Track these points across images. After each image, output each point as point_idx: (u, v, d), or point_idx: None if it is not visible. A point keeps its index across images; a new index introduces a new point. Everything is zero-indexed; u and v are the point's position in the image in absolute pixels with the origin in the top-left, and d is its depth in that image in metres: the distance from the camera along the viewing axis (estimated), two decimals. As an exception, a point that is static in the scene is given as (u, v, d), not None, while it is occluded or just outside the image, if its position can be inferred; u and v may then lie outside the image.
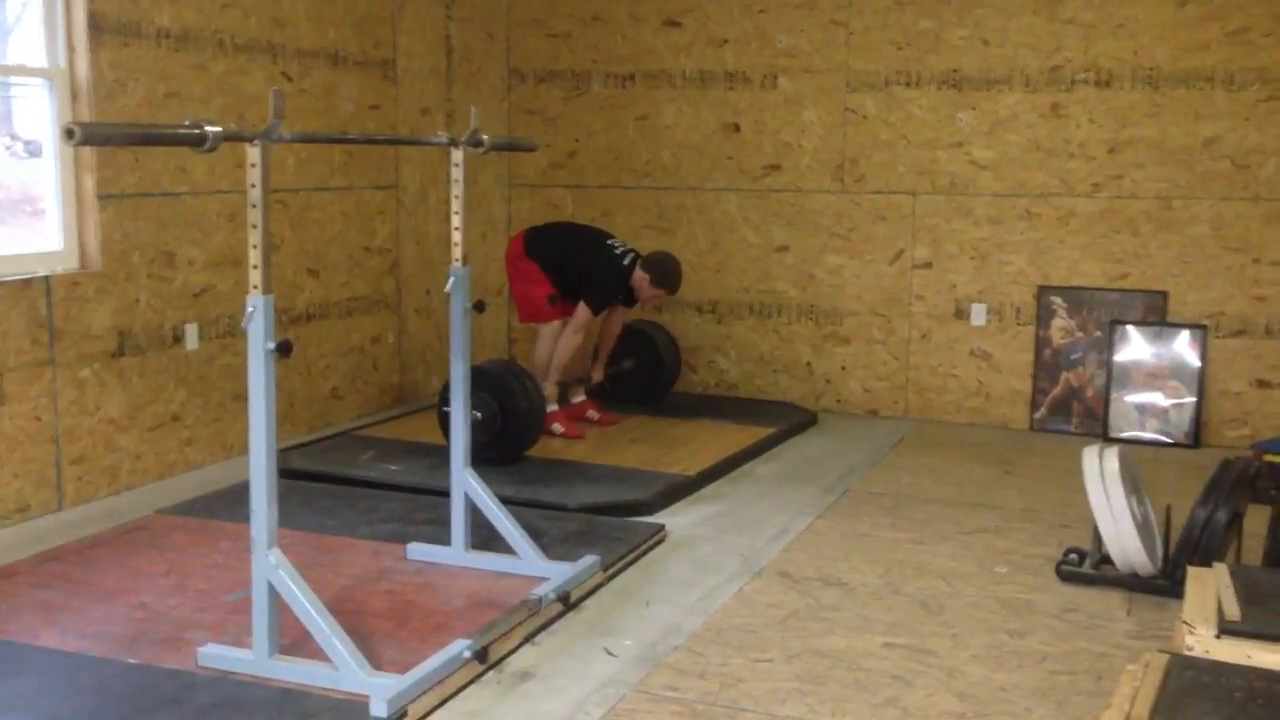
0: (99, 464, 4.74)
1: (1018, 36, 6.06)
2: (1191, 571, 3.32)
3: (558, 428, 5.72)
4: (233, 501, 4.56)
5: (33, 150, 4.85)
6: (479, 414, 4.98)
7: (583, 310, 5.75)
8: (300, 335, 5.76)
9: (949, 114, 6.23)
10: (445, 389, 4.94)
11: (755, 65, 6.57)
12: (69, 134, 2.55)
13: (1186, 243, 5.90)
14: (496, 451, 5.09)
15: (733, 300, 6.78)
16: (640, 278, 5.84)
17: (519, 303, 6.02)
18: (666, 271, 5.86)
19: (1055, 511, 4.74)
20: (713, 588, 3.92)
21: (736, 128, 6.65)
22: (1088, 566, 3.95)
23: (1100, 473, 3.84)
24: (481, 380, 5.05)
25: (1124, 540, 3.79)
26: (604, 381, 6.24)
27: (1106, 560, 3.93)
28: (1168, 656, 2.77)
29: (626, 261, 5.85)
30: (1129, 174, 5.96)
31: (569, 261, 5.84)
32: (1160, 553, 3.89)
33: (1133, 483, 3.93)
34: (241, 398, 5.31)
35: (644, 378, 6.45)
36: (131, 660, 3.22)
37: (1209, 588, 3.16)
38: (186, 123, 2.86)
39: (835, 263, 6.54)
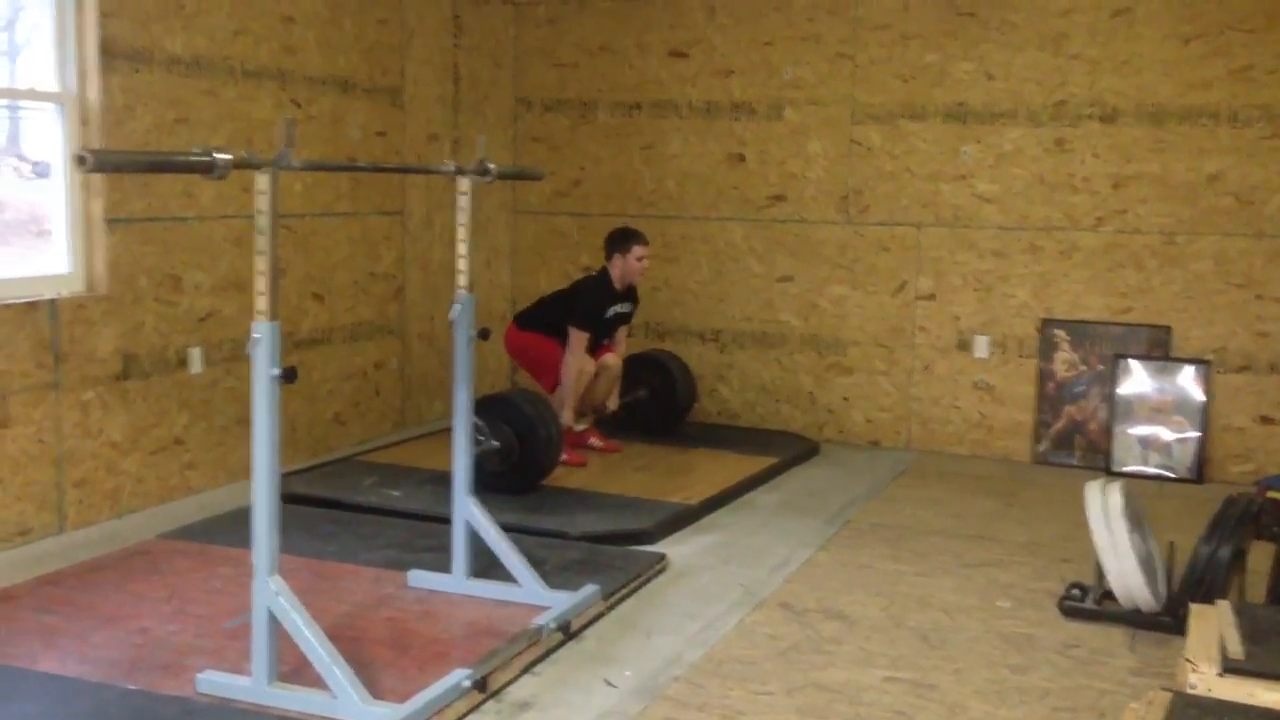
0: (101, 487, 4.74)
1: (1022, 71, 6.10)
2: (1194, 609, 3.31)
3: (562, 455, 5.72)
4: (234, 526, 4.56)
5: (40, 171, 4.88)
6: (497, 443, 5.00)
7: (572, 334, 5.77)
8: (304, 360, 5.77)
9: (953, 147, 6.26)
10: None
11: (761, 96, 6.60)
12: (81, 161, 2.57)
13: (1190, 278, 5.91)
14: (513, 480, 5.11)
15: (736, 329, 6.79)
16: (614, 265, 5.89)
17: (540, 375, 6.01)
18: (615, 237, 5.93)
19: (1057, 545, 4.73)
20: (714, 618, 3.90)
21: (742, 158, 6.68)
22: (1090, 602, 3.94)
23: (1103, 508, 3.83)
24: (500, 409, 5.07)
25: (1127, 576, 3.78)
26: (619, 411, 6.23)
27: (1109, 596, 3.92)
28: (1170, 695, 2.76)
29: (596, 273, 5.95)
30: (1133, 209, 5.98)
31: (556, 311, 5.89)
32: (1163, 589, 3.88)
33: (1136, 518, 3.93)
34: (244, 422, 5.30)
35: (658, 407, 6.43)
36: (130, 686, 3.22)
37: (1212, 625, 3.15)
38: (196, 150, 2.88)
39: (839, 293, 6.55)
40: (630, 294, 6.05)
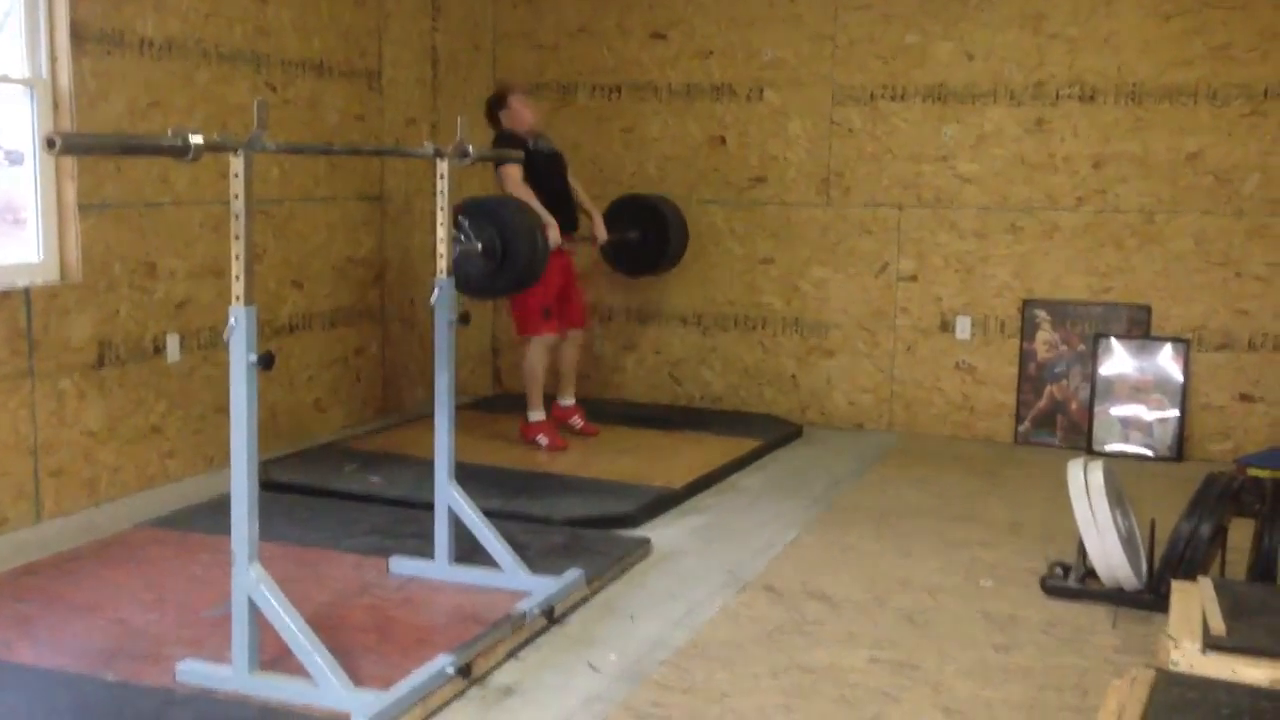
0: (78, 476, 4.69)
1: (1003, 51, 6.08)
2: (1176, 586, 3.33)
3: (542, 439, 5.70)
4: (213, 514, 4.52)
5: (13, 159, 4.81)
6: (479, 244, 4.54)
7: (503, 172, 5.58)
8: (283, 346, 5.72)
9: (934, 128, 6.24)
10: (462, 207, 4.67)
11: (741, 78, 6.57)
12: (50, 144, 2.53)
13: (1170, 257, 5.92)
14: (497, 282, 4.71)
15: (718, 312, 6.77)
16: (505, 124, 5.78)
17: (514, 314, 5.90)
18: (489, 104, 5.86)
19: (1040, 525, 4.74)
20: (698, 602, 3.89)
21: (722, 140, 6.66)
22: (1073, 580, 3.95)
23: (1085, 487, 3.83)
24: (483, 210, 4.71)
25: (1109, 554, 3.79)
26: (608, 246, 6.16)
27: (1091, 574, 3.93)
28: (1154, 672, 2.77)
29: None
30: (1113, 188, 5.98)
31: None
32: (1145, 567, 3.89)
33: (1117, 496, 3.93)
34: (223, 409, 5.26)
35: (649, 248, 6.36)
36: (109, 677, 3.18)
37: (1194, 602, 3.16)
38: (170, 133, 2.84)
39: (820, 275, 6.54)
40: (543, 137, 5.92)
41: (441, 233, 3.91)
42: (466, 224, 4.48)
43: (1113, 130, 5.95)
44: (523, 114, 5.81)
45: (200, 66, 5.17)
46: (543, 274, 4.91)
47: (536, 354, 5.75)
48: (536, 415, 5.76)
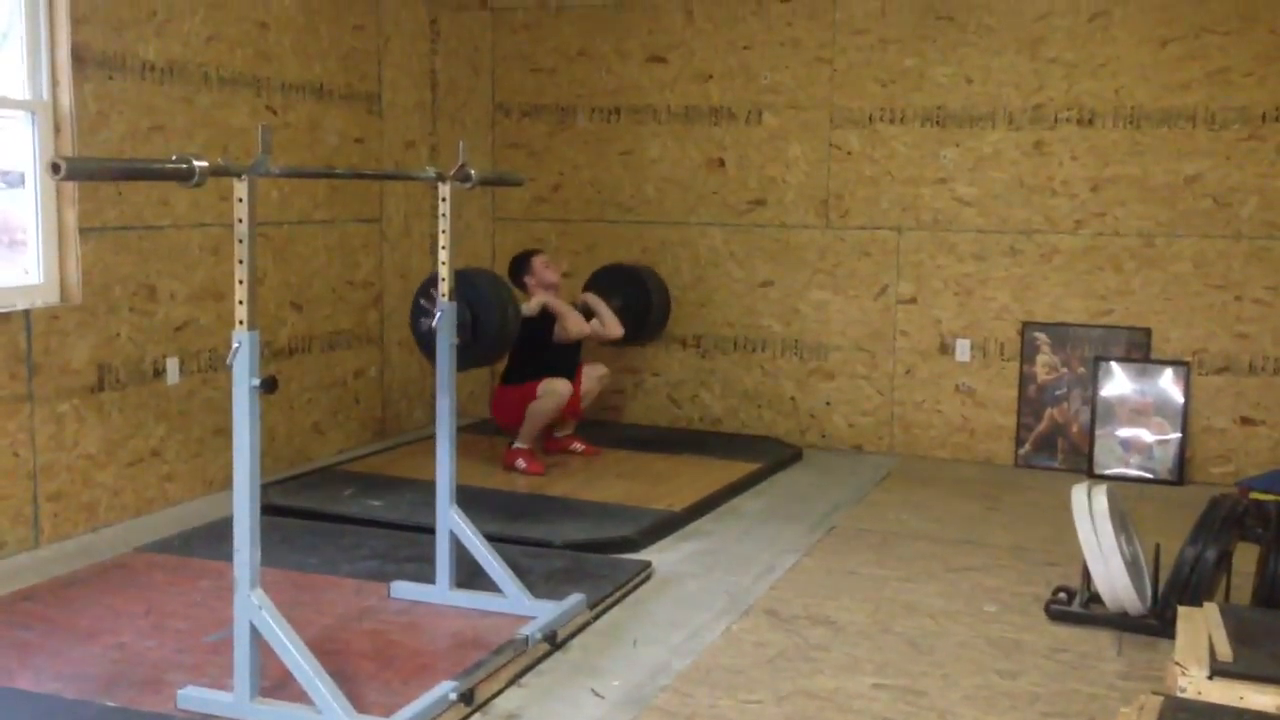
0: (77, 500, 4.67)
1: (1001, 75, 6.11)
2: (1182, 611, 3.31)
3: (521, 463, 5.69)
4: (213, 539, 4.50)
5: (12, 181, 4.81)
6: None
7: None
8: (283, 369, 5.71)
9: (933, 150, 6.26)
10: (423, 284, 4.72)
11: (740, 101, 6.59)
12: (54, 169, 2.53)
13: (1169, 280, 5.93)
14: (468, 355, 4.59)
15: (717, 335, 6.77)
16: (532, 290, 5.84)
17: (507, 421, 5.88)
18: (513, 269, 5.91)
19: (1043, 549, 4.73)
20: (700, 627, 3.88)
21: (721, 163, 6.67)
22: (1077, 605, 3.93)
23: (1089, 511, 3.82)
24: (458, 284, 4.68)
25: (1113, 579, 3.78)
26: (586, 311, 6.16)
27: (1096, 599, 3.91)
28: (1161, 698, 2.75)
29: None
30: (1112, 211, 6.00)
31: (527, 349, 5.72)
32: (1150, 592, 3.87)
33: (1121, 520, 3.92)
34: (223, 432, 5.26)
35: (633, 316, 6.36)
36: (109, 703, 3.16)
37: (1200, 628, 3.14)
38: (174, 157, 2.84)
39: (820, 298, 6.54)
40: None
41: (443, 255, 3.90)
42: (425, 302, 4.46)
43: (1111, 154, 5.97)
44: (545, 275, 5.87)
45: (201, 90, 5.18)
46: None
47: (548, 402, 5.70)
48: (521, 444, 5.76)
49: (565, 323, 5.80)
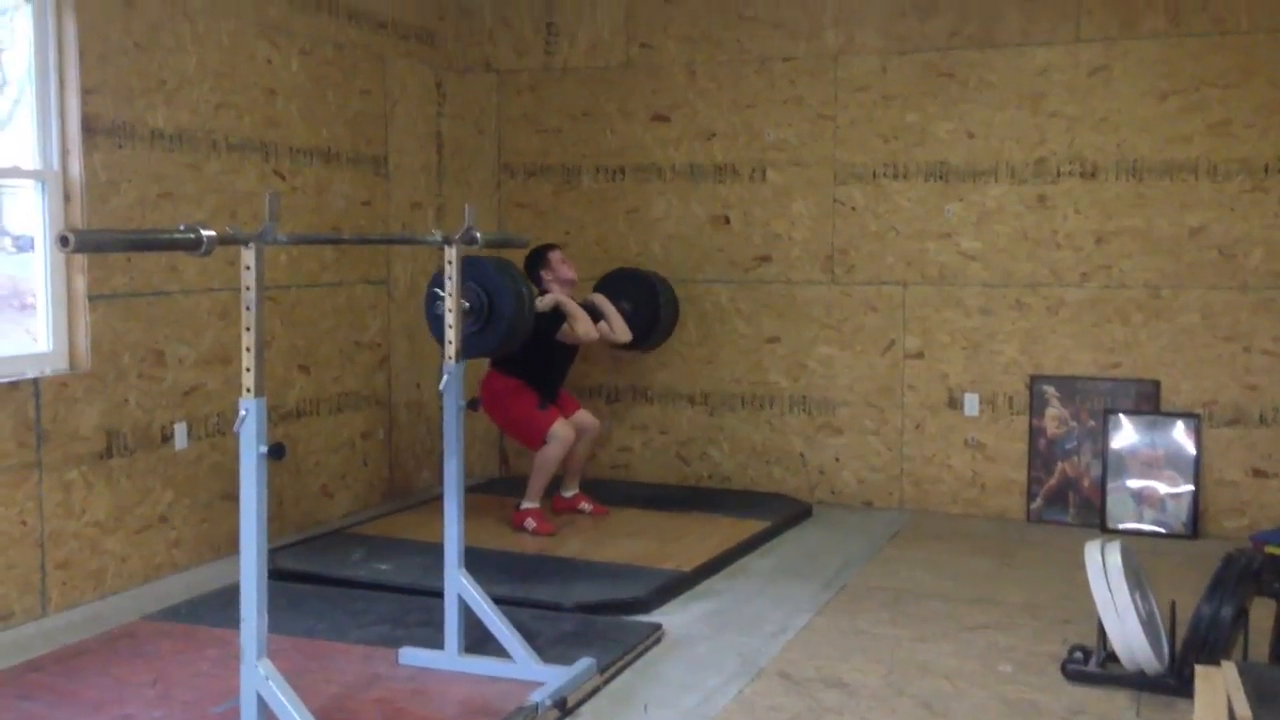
0: (84, 568, 4.65)
1: (1003, 129, 6.14)
2: (1200, 670, 3.26)
3: (530, 523, 5.66)
4: (220, 606, 4.47)
5: (21, 245, 4.84)
6: (467, 302, 4.30)
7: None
8: (290, 432, 5.71)
9: (937, 205, 6.29)
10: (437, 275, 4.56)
11: (744, 158, 6.63)
12: (64, 242, 2.54)
13: (1177, 332, 5.92)
14: (485, 340, 4.54)
15: (725, 392, 6.76)
16: (548, 285, 5.84)
17: (520, 433, 5.87)
18: (530, 263, 5.86)
19: (1057, 606, 4.68)
20: (712, 690, 3.83)
21: (726, 220, 6.70)
22: (1094, 665, 3.88)
23: (1103, 568, 3.79)
24: (467, 270, 4.55)
25: (1129, 638, 3.73)
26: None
27: (1112, 658, 3.86)
28: (1183, 763, 2.70)
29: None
30: (1117, 263, 6.00)
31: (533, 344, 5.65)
32: (1167, 650, 3.83)
33: (1136, 577, 3.88)
34: (230, 497, 5.24)
35: (641, 321, 6.34)
36: (115, 777, 3.12)
37: (1218, 687, 3.09)
38: (181, 227, 2.85)
39: (826, 353, 6.54)
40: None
41: (450, 319, 3.91)
42: (438, 290, 4.23)
43: (1115, 206, 5.99)
44: (562, 271, 5.89)
45: (210, 157, 5.22)
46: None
47: (554, 449, 5.70)
48: (530, 503, 5.73)
49: (575, 325, 5.77)
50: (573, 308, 5.81)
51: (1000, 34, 6.12)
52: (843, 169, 6.45)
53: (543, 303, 5.63)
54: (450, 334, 3.91)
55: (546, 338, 5.70)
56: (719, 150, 6.68)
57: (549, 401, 5.82)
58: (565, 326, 5.77)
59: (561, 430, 5.68)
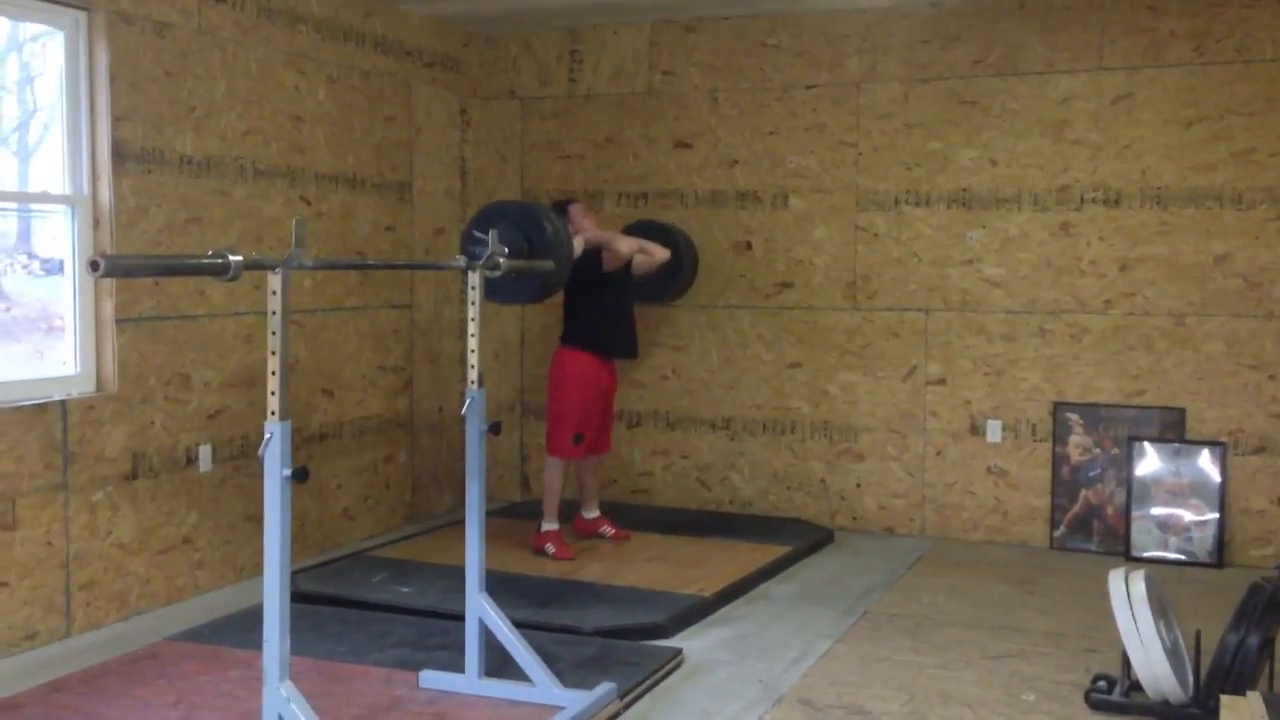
0: (109, 589, 4.68)
1: (1025, 157, 6.15)
2: (1225, 700, 3.23)
3: (550, 548, 5.67)
4: (243, 627, 4.49)
5: (50, 268, 4.90)
6: (507, 248, 4.27)
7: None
8: (313, 455, 5.74)
9: (959, 232, 6.29)
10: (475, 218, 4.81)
11: (766, 185, 6.66)
12: (94, 267, 2.57)
13: (1202, 359, 5.89)
14: (525, 287, 4.72)
15: (746, 417, 6.76)
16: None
17: (550, 424, 5.87)
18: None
19: (1081, 635, 4.64)
20: (732, 717, 3.82)
21: (748, 246, 6.72)
22: (1118, 694, 3.85)
23: (1127, 597, 3.76)
24: (504, 216, 4.81)
25: (1154, 667, 3.70)
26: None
27: (1136, 687, 3.83)
28: (1207, 794, 2.68)
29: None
30: (1141, 291, 5.99)
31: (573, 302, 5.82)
32: (1192, 680, 3.79)
33: (1160, 606, 3.86)
34: (254, 519, 5.28)
35: (663, 274, 6.29)
36: (137, 797, 3.14)
37: (1244, 717, 3.07)
38: (210, 253, 2.89)
39: (848, 379, 6.54)
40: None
41: (473, 343, 3.94)
42: (481, 234, 4.30)
43: (1139, 234, 5.97)
44: (583, 222, 5.85)
45: (237, 183, 5.28)
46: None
47: (555, 470, 5.80)
48: (549, 525, 5.76)
49: (615, 244, 5.74)
50: (603, 236, 5.80)
51: (1023, 62, 6.14)
52: (865, 196, 6.46)
53: (575, 246, 5.43)
54: (473, 358, 3.93)
55: (594, 277, 5.71)
56: (741, 177, 6.71)
57: (623, 355, 5.93)
58: (606, 255, 5.74)
59: (555, 465, 5.80)
